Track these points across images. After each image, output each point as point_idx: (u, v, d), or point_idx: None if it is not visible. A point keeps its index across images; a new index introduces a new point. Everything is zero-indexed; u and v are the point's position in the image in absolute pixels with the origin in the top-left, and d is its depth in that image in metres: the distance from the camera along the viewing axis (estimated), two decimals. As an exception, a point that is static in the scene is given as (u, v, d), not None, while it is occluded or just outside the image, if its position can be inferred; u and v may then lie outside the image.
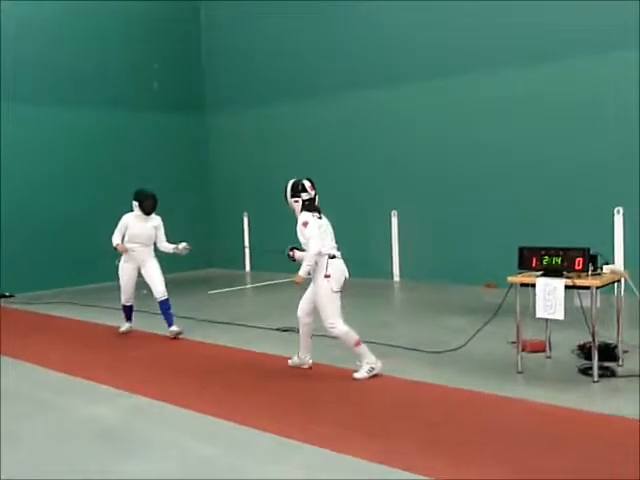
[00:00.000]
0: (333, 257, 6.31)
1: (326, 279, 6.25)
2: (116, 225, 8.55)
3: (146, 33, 14.32)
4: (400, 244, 12.23)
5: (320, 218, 6.43)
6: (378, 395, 5.97)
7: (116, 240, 8.49)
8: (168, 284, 8.70)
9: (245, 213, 14.66)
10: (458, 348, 7.00)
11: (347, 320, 6.43)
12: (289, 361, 6.90)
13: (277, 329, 8.52)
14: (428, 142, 11.82)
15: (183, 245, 8.52)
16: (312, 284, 6.48)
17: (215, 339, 8.27)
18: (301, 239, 6.37)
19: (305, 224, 6.29)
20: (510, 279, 6.27)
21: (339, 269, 6.34)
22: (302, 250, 6.43)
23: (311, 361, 6.77)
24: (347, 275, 6.42)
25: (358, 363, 6.35)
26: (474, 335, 6.92)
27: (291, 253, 6.57)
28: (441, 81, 11.56)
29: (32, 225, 12.78)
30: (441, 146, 11.66)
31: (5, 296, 12.23)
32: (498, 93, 10.98)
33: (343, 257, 6.46)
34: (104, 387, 6.44)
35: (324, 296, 6.27)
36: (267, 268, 13.81)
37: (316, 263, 6.27)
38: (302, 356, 6.77)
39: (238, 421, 5.33)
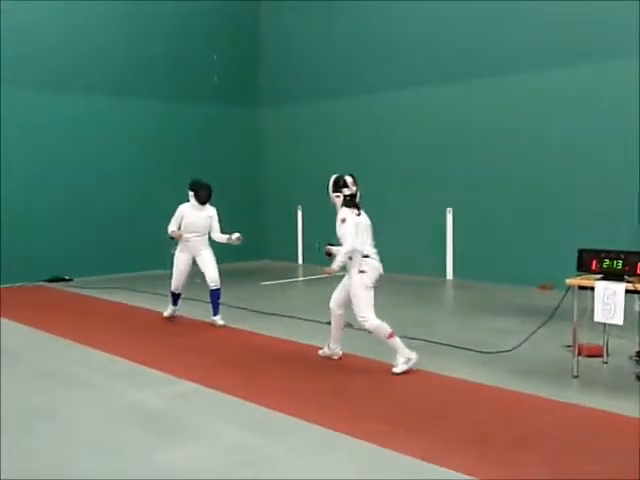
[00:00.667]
0: (366, 256, 6.39)
1: (360, 274, 6.34)
2: (172, 215, 8.67)
3: (205, 27, 14.41)
4: (454, 242, 12.05)
5: (359, 215, 6.49)
6: (424, 392, 5.88)
7: (172, 228, 8.62)
8: (222, 274, 8.76)
9: (299, 206, 14.65)
10: (512, 349, 6.84)
11: (396, 316, 6.44)
12: (319, 351, 7.01)
13: (327, 322, 8.46)
14: (484, 139, 11.59)
15: (236, 235, 8.56)
16: (345, 278, 6.61)
17: (264, 329, 8.29)
18: (338, 234, 6.50)
19: (343, 220, 6.43)
20: (568, 281, 6.10)
21: (373, 266, 6.44)
22: (339, 244, 6.53)
23: (341, 352, 6.88)
24: (381, 271, 6.50)
25: (400, 358, 6.31)
26: (529, 337, 6.76)
27: (327, 248, 6.74)
28: (496, 78, 11.32)
29: (92, 213, 13.03)
30: (497, 143, 11.42)
31: (64, 280, 12.50)
32: (559, 90, 10.68)
33: (380, 254, 6.52)
34: (153, 372, 6.50)
35: (358, 290, 6.37)
36: (319, 261, 13.75)
37: (350, 259, 6.40)
38: (333, 347, 6.89)
39: (283, 411, 5.31)
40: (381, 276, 6.51)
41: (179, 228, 8.64)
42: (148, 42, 13.68)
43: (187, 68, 14.20)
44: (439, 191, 12.17)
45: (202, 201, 8.60)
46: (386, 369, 6.42)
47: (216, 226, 8.71)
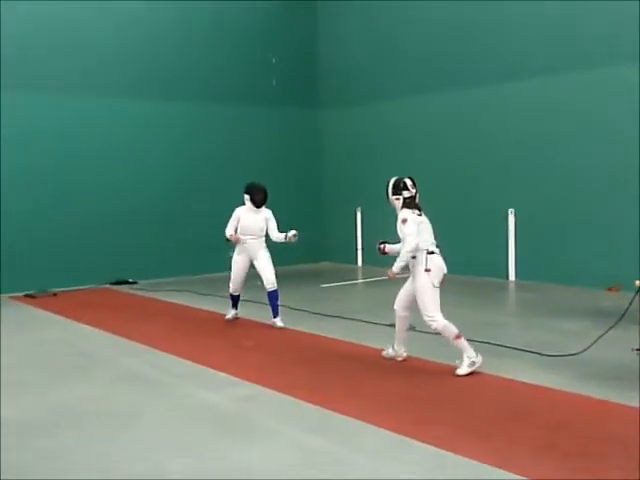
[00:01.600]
0: (432, 253, 6.38)
1: (426, 273, 6.33)
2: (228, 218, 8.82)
3: (263, 30, 14.57)
4: (516, 243, 11.88)
5: (420, 215, 6.50)
6: (489, 395, 5.83)
7: (229, 232, 8.74)
8: (283, 276, 8.87)
9: (358, 208, 14.67)
10: (579, 353, 6.71)
11: (460, 318, 6.41)
12: (383, 352, 7.03)
13: (390, 325, 8.45)
14: (546, 138, 11.40)
15: (292, 233, 8.65)
16: (410, 279, 6.59)
17: (326, 331, 8.33)
18: (400, 235, 6.50)
19: (404, 221, 6.44)
20: (638, 282, 5.96)
21: (438, 265, 6.42)
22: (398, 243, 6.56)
23: (405, 354, 6.87)
24: (445, 271, 6.47)
25: (457, 361, 6.32)
26: (597, 340, 6.64)
27: (382, 247, 6.82)
28: (561, 74, 11.12)
29: (155, 217, 13.32)
30: (560, 141, 11.22)
31: (128, 282, 12.80)
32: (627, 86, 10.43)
33: (442, 254, 6.52)
34: (219, 374, 6.61)
35: (424, 290, 6.36)
36: (379, 263, 13.76)
37: (414, 258, 6.39)
38: (397, 348, 6.89)
39: (349, 414, 5.34)
40: (445, 276, 6.49)
41: (236, 231, 8.76)
42: (206, 45, 13.89)
43: (247, 71, 14.35)
44: (501, 191, 12.02)
45: (258, 204, 8.71)
46: (449, 371, 6.39)
47: (273, 227, 8.79)
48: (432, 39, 13.05)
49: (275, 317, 8.71)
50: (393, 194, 6.61)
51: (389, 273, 6.48)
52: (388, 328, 8.28)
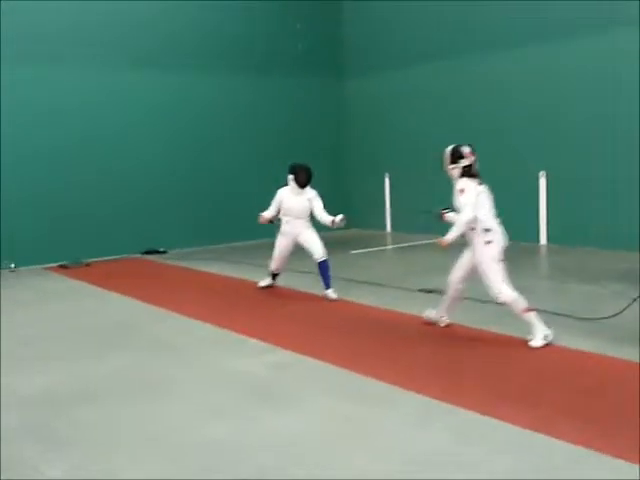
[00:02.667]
0: (489, 230, 6.13)
1: (486, 246, 6.10)
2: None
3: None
4: (548, 206, 11.74)
5: (480, 184, 6.24)
6: (527, 361, 5.81)
7: (268, 213, 8.71)
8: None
9: (387, 174, 14.58)
10: (613, 316, 6.66)
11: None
12: (424, 313, 6.91)
13: (420, 290, 8.46)
14: (578, 99, 11.20)
15: (340, 217, 8.46)
16: (468, 251, 6.36)
17: (360, 298, 8.33)
18: (456, 204, 6.24)
19: (462, 191, 6.13)
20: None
21: (498, 238, 6.18)
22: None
23: (448, 321, 6.75)
24: (506, 243, 6.24)
25: (538, 333, 6.07)
26: (632, 303, 6.56)
27: (442, 212, 6.52)
28: (594, 35, 10.87)
29: (185, 187, 13.36)
30: (592, 103, 11.01)
31: (159, 252, 12.90)
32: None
33: (501, 225, 6.27)
34: (254, 341, 6.66)
35: (485, 263, 6.12)
36: (407, 229, 13.76)
37: (473, 229, 6.13)
38: (440, 314, 6.75)
39: (387, 381, 5.35)
40: (504, 248, 6.24)
41: (279, 212, 8.68)
42: (229, 14, 13.77)
43: (271, 39, 14.24)
44: (532, 154, 11.86)
45: (302, 184, 8.57)
46: (482, 336, 6.38)
47: (319, 207, 8.60)
48: (458, 3, 12.79)
49: (328, 288, 8.49)
50: (450, 162, 6.28)
51: (441, 241, 6.17)
52: (420, 294, 8.32)
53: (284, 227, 8.73)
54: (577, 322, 6.80)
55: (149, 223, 12.99)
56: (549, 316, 7.03)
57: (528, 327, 6.13)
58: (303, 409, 4.92)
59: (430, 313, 6.87)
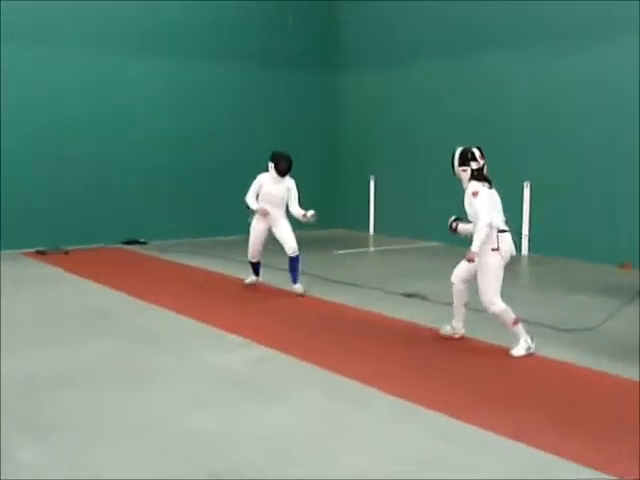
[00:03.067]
0: (503, 231, 6.07)
1: (494, 252, 5.98)
2: (249, 184, 8.66)
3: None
4: (531, 216, 11.79)
5: (490, 188, 6.20)
6: (509, 369, 5.83)
7: (251, 201, 8.60)
8: (297, 242, 8.79)
9: (372, 176, 14.58)
10: (593, 327, 6.69)
11: (472, 291, 6.26)
12: (441, 331, 6.66)
13: (402, 294, 8.46)
14: (563, 110, 11.24)
15: (311, 213, 8.51)
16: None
17: (341, 298, 8.31)
18: (468, 210, 6.14)
19: (475, 194, 6.03)
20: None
21: (507, 243, 6.09)
22: (467, 222, 6.25)
23: (463, 331, 6.56)
24: (513, 252, 6.17)
25: (523, 344, 6.06)
26: (612, 315, 6.61)
27: (454, 225, 6.43)
28: (578, 45, 10.92)
29: (167, 178, 13.25)
30: (576, 114, 11.06)
31: (139, 242, 12.79)
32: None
33: (512, 232, 6.22)
34: (231, 336, 6.63)
35: (489, 270, 6.00)
36: (390, 232, 13.76)
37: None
38: (455, 325, 6.56)
39: (361, 380, 5.35)
40: (512, 257, 6.17)
41: (257, 197, 8.65)
42: (222, 5, 13.63)
43: (262, 32, 14.17)
44: (516, 164, 11.89)
45: (282, 173, 8.56)
46: (465, 344, 6.40)
47: (294, 198, 8.64)
48: (453, 4, 12.81)
49: (295, 283, 8.60)
50: (460, 165, 6.18)
51: (469, 255, 5.96)
52: (399, 296, 8.32)
53: (259, 215, 8.65)
54: (557, 332, 6.82)
55: (130, 213, 12.87)
56: (530, 326, 7.06)
57: (514, 337, 6.12)
58: (283, 403, 4.92)
59: (446, 328, 6.64)
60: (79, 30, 12.21)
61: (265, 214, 8.56)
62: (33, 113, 11.86)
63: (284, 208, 8.71)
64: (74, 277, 9.63)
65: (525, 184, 11.79)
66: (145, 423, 4.54)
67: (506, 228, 6.11)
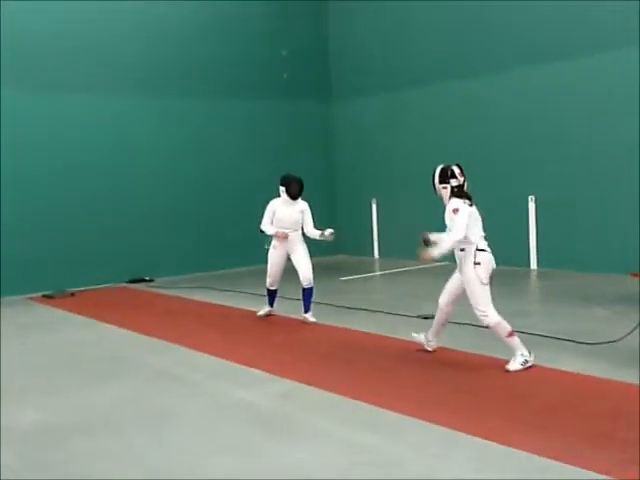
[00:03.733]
0: (482, 250, 6.13)
1: (475, 267, 6.08)
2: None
3: (272, 22, 14.45)
4: (537, 230, 11.75)
5: (471, 205, 6.23)
6: (535, 386, 5.72)
7: (267, 227, 8.56)
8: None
9: (374, 199, 14.55)
10: (617, 340, 6.60)
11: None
12: (413, 333, 6.95)
13: (418, 316, 8.37)
14: (566, 123, 11.27)
15: (329, 231, 8.51)
16: (457, 273, 6.35)
17: (355, 325, 8.23)
18: (449, 225, 6.20)
19: (455, 211, 6.09)
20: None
21: (487, 260, 6.16)
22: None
23: (435, 345, 6.76)
24: (494, 266, 6.23)
25: (519, 358, 6.07)
26: (636, 327, 6.52)
27: (425, 236, 6.46)
28: (578, 57, 10.98)
29: (170, 215, 13.21)
30: (580, 127, 11.09)
31: (145, 280, 12.70)
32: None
33: (490, 247, 6.27)
34: (253, 371, 6.50)
35: (474, 284, 6.09)
36: (395, 255, 13.70)
37: (463, 250, 6.13)
38: (429, 338, 6.76)
39: (393, 409, 5.23)
40: (494, 271, 6.23)
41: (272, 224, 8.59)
42: (216, 40, 13.72)
43: (257, 64, 14.22)
44: (520, 178, 11.89)
45: (294, 196, 8.51)
46: (485, 362, 6.32)
47: (309, 220, 8.63)
48: (444, 28, 12.90)
49: (306, 312, 8.56)
50: (440, 182, 6.24)
51: (425, 255, 6.16)
52: (416, 319, 8.22)
53: (277, 240, 8.58)
54: (581, 346, 6.74)
55: (133, 251, 12.79)
56: (551, 340, 6.99)
57: (510, 351, 6.13)
58: (313, 440, 4.76)
59: (420, 336, 6.86)
60: (73, 75, 12.22)
61: (285, 237, 8.48)
62: (30, 158, 11.81)
63: (300, 232, 8.65)
64: (83, 319, 9.52)
65: (530, 198, 11.77)
66: (169, 469, 4.38)
67: (486, 248, 6.17)
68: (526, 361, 6.06)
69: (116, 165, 12.69)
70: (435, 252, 6.13)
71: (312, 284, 8.56)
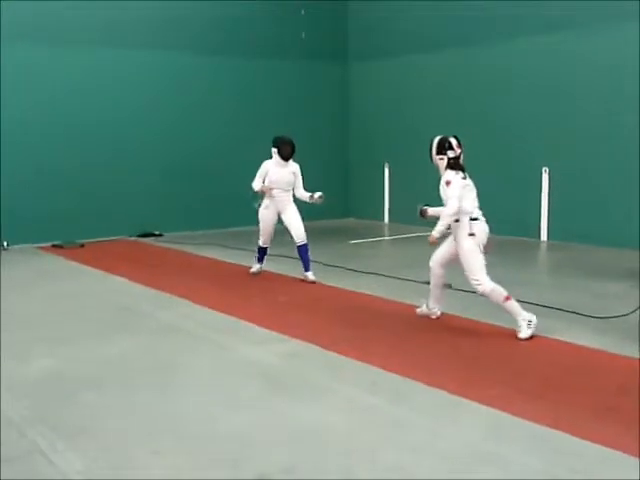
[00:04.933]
0: (475, 219, 6.21)
1: (470, 237, 6.16)
2: (255, 171, 8.75)
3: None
4: (550, 202, 11.67)
5: (464, 178, 6.29)
6: (538, 356, 5.74)
7: (258, 184, 8.68)
8: (309, 232, 8.79)
9: (386, 163, 14.46)
10: (627, 314, 6.56)
11: (493, 277, 6.26)
12: (417, 310, 6.97)
13: (425, 282, 8.32)
14: (582, 95, 11.10)
15: (318, 194, 8.64)
16: (450, 239, 6.44)
17: (363, 288, 8.23)
18: (443, 196, 6.29)
19: (448, 183, 6.20)
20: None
21: (481, 230, 6.25)
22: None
23: (439, 312, 6.81)
24: (488, 234, 6.30)
25: (522, 322, 6.12)
26: (642, 305, 6.49)
27: (423, 209, 6.62)
28: (596, 28, 10.77)
29: (180, 170, 13.13)
30: (596, 99, 10.92)
31: (154, 235, 12.72)
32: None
33: (485, 217, 6.33)
34: (260, 329, 6.53)
35: (468, 253, 6.19)
36: (405, 220, 13.64)
37: (457, 221, 6.21)
38: (431, 306, 6.83)
39: (399, 372, 5.26)
40: (490, 240, 6.32)
41: (264, 184, 8.69)
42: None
43: (275, 23, 14.03)
44: (534, 150, 11.77)
45: (285, 157, 8.62)
46: (491, 330, 6.34)
47: (299, 183, 8.77)
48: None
49: (307, 271, 8.70)
50: (437, 153, 6.34)
51: (430, 238, 6.29)
52: (424, 285, 8.20)
53: (268, 199, 8.70)
54: (587, 319, 6.72)
55: (144, 206, 12.78)
56: (558, 312, 6.98)
57: (511, 315, 6.18)
58: (321, 400, 4.79)
59: (422, 308, 6.93)
60: (78, 29, 12.02)
61: (269, 191, 8.59)
62: (44, 109, 11.75)
63: (291, 193, 8.79)
64: (92, 270, 9.56)
65: (544, 170, 11.67)
66: (179, 424, 4.41)
67: (479, 217, 6.25)
68: (530, 322, 6.12)
69: (130, 121, 12.61)
70: (436, 231, 6.24)
71: (306, 241, 8.68)
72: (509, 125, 12.15)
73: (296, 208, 8.81)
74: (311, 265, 8.76)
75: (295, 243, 8.74)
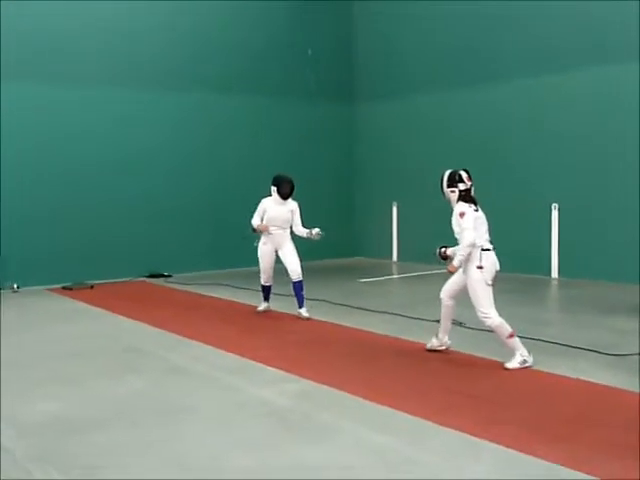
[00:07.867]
0: (487, 250, 6.29)
1: (479, 270, 6.23)
2: (255, 210, 8.86)
3: (299, 22, 14.46)
4: (560, 239, 11.63)
5: (477, 210, 6.39)
6: (552, 394, 5.65)
7: (256, 222, 8.78)
8: (318, 270, 8.82)
9: (394, 202, 14.48)
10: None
11: (504, 316, 6.31)
12: (427, 344, 6.98)
13: (436, 321, 8.28)
14: (592, 131, 11.16)
15: (316, 230, 8.72)
16: (460, 272, 6.49)
17: (371, 326, 8.17)
18: (455, 229, 6.40)
19: (462, 215, 6.30)
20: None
21: (491, 262, 6.31)
22: (454, 244, 6.50)
23: (450, 342, 6.87)
24: (498, 268, 6.37)
25: (518, 357, 6.24)
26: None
27: (442, 251, 6.71)
28: (602, 66, 10.88)
29: (188, 212, 13.23)
30: (606, 136, 10.97)
31: (164, 275, 12.73)
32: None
33: (495, 250, 6.41)
34: (270, 369, 6.47)
35: (477, 286, 6.25)
36: (413, 258, 13.62)
37: (469, 254, 6.27)
38: (440, 337, 6.87)
39: (409, 412, 5.18)
40: (497, 273, 6.36)
41: (262, 221, 8.78)
42: (241, 37, 13.73)
43: (282, 63, 14.22)
44: (544, 186, 11.78)
45: (284, 196, 8.70)
46: (502, 368, 6.27)
47: (298, 220, 8.83)
48: (468, 33, 12.82)
49: (300, 307, 8.73)
50: (448, 186, 6.47)
51: (449, 268, 6.40)
52: (433, 324, 8.14)
53: (266, 237, 8.81)
54: (601, 357, 6.63)
55: (153, 247, 12.83)
56: (571, 350, 6.90)
57: (510, 352, 6.26)
58: (330, 441, 4.71)
59: (432, 341, 6.97)
60: (85, 70, 12.23)
61: (266, 229, 8.69)
62: (51, 152, 11.87)
63: (289, 230, 8.87)
64: (102, 312, 9.54)
65: (553, 206, 11.65)
66: (188, 464, 4.35)
67: (490, 247, 6.34)
68: (525, 361, 6.23)
69: (139, 163, 12.73)
70: (456, 262, 6.33)
71: (301, 277, 8.73)
72: (518, 162, 12.18)
73: (293, 245, 8.88)
74: (304, 301, 8.78)
75: (291, 280, 8.77)
